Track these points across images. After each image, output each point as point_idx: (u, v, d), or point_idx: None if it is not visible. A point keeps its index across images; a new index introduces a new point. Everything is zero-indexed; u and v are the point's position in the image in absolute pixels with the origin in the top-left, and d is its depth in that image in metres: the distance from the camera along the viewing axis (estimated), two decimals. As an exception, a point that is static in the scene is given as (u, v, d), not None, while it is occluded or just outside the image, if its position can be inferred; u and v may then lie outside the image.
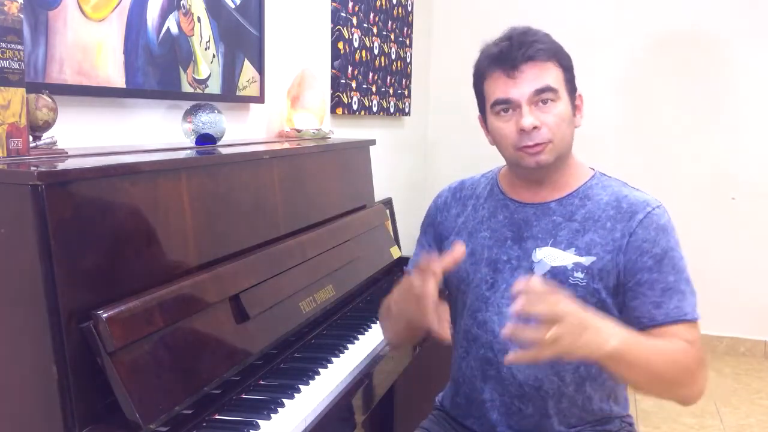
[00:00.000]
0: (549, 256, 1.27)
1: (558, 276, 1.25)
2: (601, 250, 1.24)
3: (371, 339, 1.58)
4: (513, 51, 1.23)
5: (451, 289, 1.41)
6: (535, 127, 1.22)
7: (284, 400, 1.22)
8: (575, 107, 1.29)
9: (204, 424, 1.14)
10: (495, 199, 1.37)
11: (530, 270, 1.28)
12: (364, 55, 3.00)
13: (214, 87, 1.92)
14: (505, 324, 1.27)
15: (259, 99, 2.15)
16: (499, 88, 1.24)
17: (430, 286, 1.09)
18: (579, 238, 1.26)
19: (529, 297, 1.01)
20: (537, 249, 1.28)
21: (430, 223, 1.45)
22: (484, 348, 1.31)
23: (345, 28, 2.78)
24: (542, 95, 1.22)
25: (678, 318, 1.20)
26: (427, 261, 1.12)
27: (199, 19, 1.83)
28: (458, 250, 1.13)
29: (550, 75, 1.23)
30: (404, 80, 3.57)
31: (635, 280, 1.22)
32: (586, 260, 1.24)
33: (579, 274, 1.24)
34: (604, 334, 1.05)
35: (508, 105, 1.24)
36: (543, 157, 1.24)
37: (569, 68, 1.28)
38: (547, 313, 1.00)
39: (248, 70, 2.08)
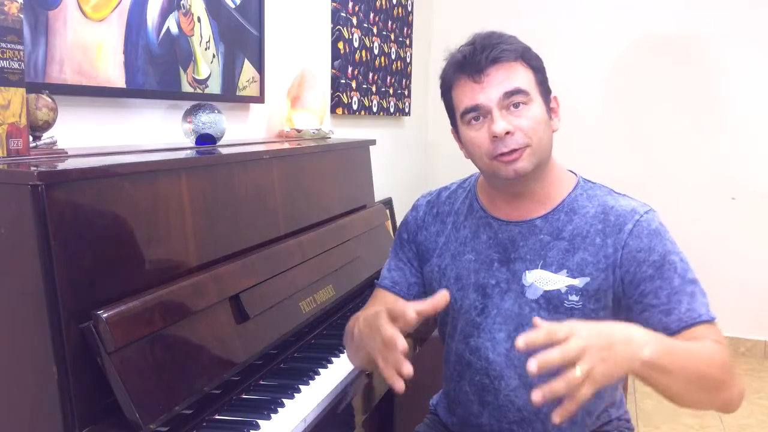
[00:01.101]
0: (540, 279, 1.21)
1: (552, 300, 1.20)
2: (593, 269, 1.19)
3: (371, 339, 1.58)
4: (477, 55, 1.16)
5: (441, 313, 1.36)
6: (508, 132, 1.14)
7: (284, 400, 1.22)
8: (551, 110, 1.22)
9: (204, 424, 1.14)
10: (476, 216, 1.30)
11: (521, 294, 1.22)
12: (364, 55, 3.00)
13: (214, 87, 1.92)
14: (499, 350, 1.23)
15: (259, 99, 2.15)
16: (467, 95, 1.18)
17: (400, 340, 0.98)
18: (569, 258, 1.20)
19: (540, 352, 0.91)
20: (527, 272, 1.22)
21: (411, 239, 1.37)
22: (479, 374, 1.27)
23: (345, 28, 2.78)
24: (512, 98, 1.16)
25: (692, 321, 1.12)
26: (402, 308, 1.02)
27: (199, 19, 1.83)
28: (442, 299, 1.03)
29: (518, 76, 1.17)
30: (404, 80, 3.57)
31: (639, 291, 1.16)
32: (579, 282, 1.19)
33: (574, 297, 1.19)
34: (636, 343, 0.97)
35: (477, 112, 1.17)
36: (521, 165, 1.16)
37: (540, 69, 1.21)
38: (565, 356, 0.90)
39: (248, 70, 2.08)
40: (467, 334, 1.28)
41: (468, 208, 1.32)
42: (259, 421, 1.14)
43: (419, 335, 1.81)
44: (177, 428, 1.09)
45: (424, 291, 1.37)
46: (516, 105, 1.16)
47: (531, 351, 1.21)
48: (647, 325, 1.15)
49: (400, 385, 1.00)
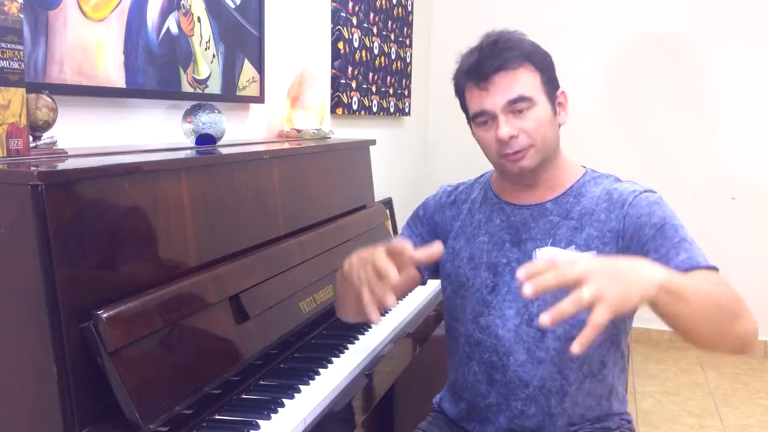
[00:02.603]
0: (550, 255, 1.27)
1: None
2: (599, 242, 1.25)
3: (371, 339, 1.58)
4: (482, 63, 1.24)
5: (451, 294, 1.40)
6: (512, 137, 1.23)
7: (284, 400, 1.22)
8: (558, 105, 1.29)
9: (204, 424, 1.14)
10: (490, 203, 1.38)
11: None
12: (364, 55, 3.00)
13: (214, 87, 1.92)
14: (509, 326, 1.28)
15: (259, 99, 2.15)
16: (474, 100, 1.26)
17: (393, 271, 1.03)
18: (577, 234, 1.27)
19: (539, 275, 0.93)
20: (537, 250, 1.29)
21: (429, 217, 1.45)
22: (488, 352, 1.31)
23: (345, 28, 2.78)
24: (516, 105, 1.23)
25: (691, 266, 1.15)
26: (401, 245, 1.08)
27: (199, 19, 1.83)
28: (436, 250, 1.09)
29: (522, 82, 1.23)
30: (404, 80, 3.57)
31: (644, 251, 1.20)
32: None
33: None
34: (644, 268, 0.98)
35: (486, 116, 1.25)
36: (525, 163, 1.25)
37: (545, 68, 1.27)
38: (570, 277, 0.92)
39: (248, 70, 2.08)
40: (478, 314, 1.32)
41: (483, 197, 1.40)
42: (259, 421, 1.14)
43: (420, 335, 1.81)
44: (177, 428, 1.09)
45: (435, 270, 1.44)
46: (520, 110, 1.23)
47: (540, 328, 1.25)
48: None
49: (377, 317, 1.06)
